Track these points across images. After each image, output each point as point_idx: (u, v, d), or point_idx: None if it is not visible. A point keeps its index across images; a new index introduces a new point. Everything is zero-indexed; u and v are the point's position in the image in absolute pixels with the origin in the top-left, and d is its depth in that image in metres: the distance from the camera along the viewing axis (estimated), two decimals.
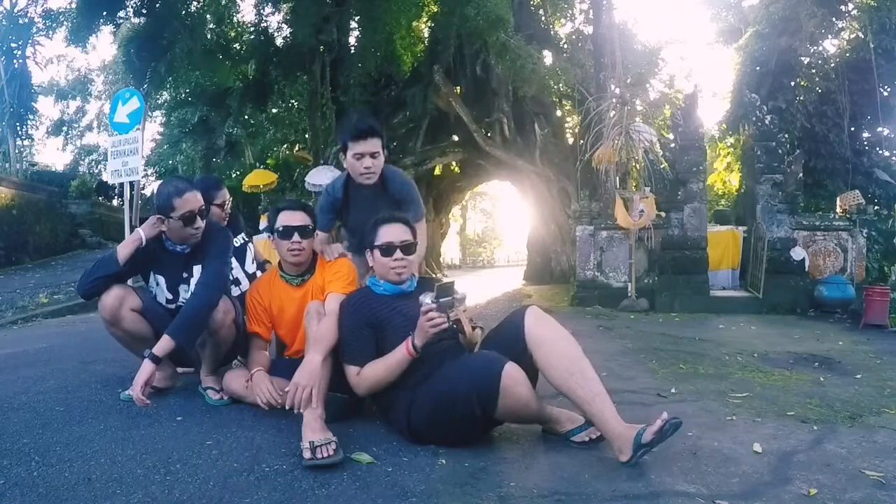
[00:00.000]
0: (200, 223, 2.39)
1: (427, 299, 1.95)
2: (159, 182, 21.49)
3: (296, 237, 2.36)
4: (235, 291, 2.90)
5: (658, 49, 15.91)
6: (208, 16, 14.59)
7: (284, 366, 2.40)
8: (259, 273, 3.15)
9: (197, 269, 2.46)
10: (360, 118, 2.69)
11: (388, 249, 2.17)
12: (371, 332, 2.11)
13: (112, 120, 7.99)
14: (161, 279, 2.52)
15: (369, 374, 2.05)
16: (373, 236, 2.22)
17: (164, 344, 2.19)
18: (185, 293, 2.50)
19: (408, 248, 2.20)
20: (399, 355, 1.99)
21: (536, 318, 2.03)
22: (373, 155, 2.59)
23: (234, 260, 2.81)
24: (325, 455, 1.78)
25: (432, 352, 1.99)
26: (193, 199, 2.35)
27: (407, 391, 2.01)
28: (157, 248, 2.47)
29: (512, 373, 1.81)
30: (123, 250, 2.37)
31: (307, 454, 1.78)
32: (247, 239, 3.22)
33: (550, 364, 1.94)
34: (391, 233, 2.20)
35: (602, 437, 2.02)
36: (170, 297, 2.52)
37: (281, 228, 2.38)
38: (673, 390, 3.00)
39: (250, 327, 2.48)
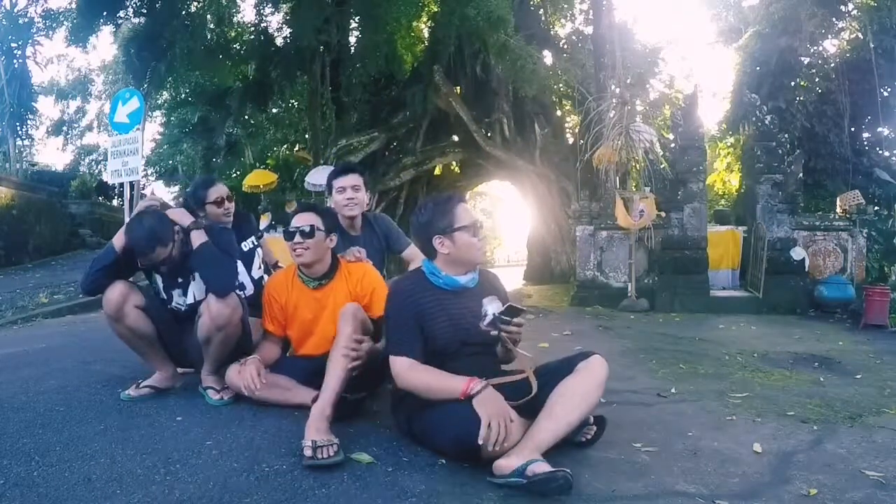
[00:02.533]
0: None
1: (490, 310, 1.91)
2: (159, 182, 21.54)
3: (297, 238, 2.38)
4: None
5: (658, 49, 15.93)
6: (208, 16, 14.57)
7: (293, 365, 2.43)
8: (266, 277, 3.08)
9: (190, 277, 2.47)
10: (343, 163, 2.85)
11: (476, 229, 2.00)
12: (416, 323, 1.98)
13: (112, 120, 7.99)
14: (158, 279, 2.53)
15: (419, 380, 1.91)
16: (448, 219, 1.99)
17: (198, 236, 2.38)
18: (178, 297, 2.50)
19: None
20: (452, 387, 1.83)
21: (601, 361, 1.96)
22: (354, 188, 2.81)
23: (240, 264, 2.79)
24: (326, 456, 1.77)
25: (466, 365, 1.91)
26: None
27: (418, 398, 1.96)
28: None
29: None
30: (118, 240, 2.38)
31: (308, 452, 1.78)
32: (257, 243, 3.08)
33: (567, 383, 1.87)
34: (469, 212, 2.03)
35: (598, 436, 2.02)
36: (164, 298, 2.53)
37: (286, 231, 2.43)
38: (673, 390, 3.00)
39: (264, 324, 2.50)
